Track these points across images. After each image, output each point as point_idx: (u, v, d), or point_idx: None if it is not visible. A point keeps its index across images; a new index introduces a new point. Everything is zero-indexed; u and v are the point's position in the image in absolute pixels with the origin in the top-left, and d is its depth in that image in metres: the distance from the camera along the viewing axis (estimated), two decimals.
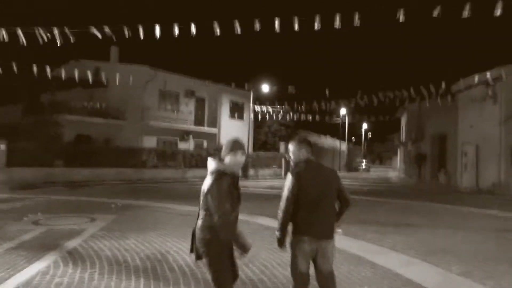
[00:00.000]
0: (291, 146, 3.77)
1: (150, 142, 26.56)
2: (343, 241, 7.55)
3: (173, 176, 24.84)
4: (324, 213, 3.59)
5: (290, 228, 3.69)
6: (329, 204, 3.65)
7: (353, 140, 77.50)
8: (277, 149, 36.42)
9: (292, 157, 3.76)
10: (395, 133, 57.01)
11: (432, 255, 6.66)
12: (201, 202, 3.39)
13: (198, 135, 30.28)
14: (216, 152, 27.54)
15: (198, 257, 3.46)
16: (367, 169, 56.56)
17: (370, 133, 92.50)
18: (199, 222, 3.39)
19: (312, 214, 3.53)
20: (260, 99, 32.54)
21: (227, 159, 3.44)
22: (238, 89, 31.42)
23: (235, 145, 3.47)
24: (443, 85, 15.07)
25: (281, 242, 3.59)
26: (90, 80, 19.08)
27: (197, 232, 3.39)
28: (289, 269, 3.72)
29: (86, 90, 27.91)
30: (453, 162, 25.12)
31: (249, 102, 32.73)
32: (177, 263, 5.85)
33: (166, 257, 6.21)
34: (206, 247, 3.33)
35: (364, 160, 62.31)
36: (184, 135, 29.14)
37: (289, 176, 3.59)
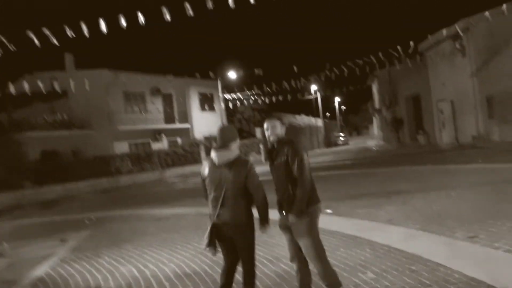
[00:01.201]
0: (273, 124, 3.68)
1: (121, 147, 25.50)
2: (335, 222, 7.02)
3: (150, 179, 23.93)
4: None
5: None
6: None
7: (328, 115, 77.57)
8: (254, 135, 35.77)
9: (273, 134, 3.66)
10: (368, 102, 57.16)
11: (431, 223, 6.19)
12: (220, 191, 3.50)
13: (170, 132, 29.32)
14: (194, 146, 26.73)
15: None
16: (345, 142, 56.53)
17: (343, 106, 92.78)
18: (232, 211, 3.49)
19: (313, 182, 3.65)
20: (228, 87, 31.75)
21: (235, 145, 3.61)
22: (205, 80, 30.45)
23: (236, 133, 3.71)
24: (411, 44, 14.61)
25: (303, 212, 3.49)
26: (48, 92, 17.98)
27: (237, 218, 3.49)
28: (280, 265, 4.18)
29: (45, 103, 26.63)
30: (430, 122, 25.04)
31: (218, 91, 31.87)
32: (155, 279, 5.18)
33: (144, 272, 5.52)
34: (248, 228, 3.55)
35: (342, 134, 62.33)
36: (156, 134, 28.14)
37: (297, 146, 3.56)
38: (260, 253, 5.67)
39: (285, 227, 3.65)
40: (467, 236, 5.26)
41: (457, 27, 14.12)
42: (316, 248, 3.54)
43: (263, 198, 3.54)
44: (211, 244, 3.56)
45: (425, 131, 26.60)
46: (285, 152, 3.55)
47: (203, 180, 3.70)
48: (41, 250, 7.94)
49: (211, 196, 3.59)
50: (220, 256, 5.72)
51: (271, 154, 3.69)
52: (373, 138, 58.68)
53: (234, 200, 3.50)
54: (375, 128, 55.68)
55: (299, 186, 3.48)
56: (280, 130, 3.68)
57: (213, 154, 3.59)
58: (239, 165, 3.51)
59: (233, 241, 3.58)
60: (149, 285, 4.93)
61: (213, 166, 3.57)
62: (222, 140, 3.57)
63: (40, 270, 6.35)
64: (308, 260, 3.63)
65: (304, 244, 3.54)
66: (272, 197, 3.67)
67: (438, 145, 22.94)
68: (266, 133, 3.72)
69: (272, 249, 5.83)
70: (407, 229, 6.03)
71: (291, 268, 4.88)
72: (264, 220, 3.58)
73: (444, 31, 14.05)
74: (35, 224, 12.14)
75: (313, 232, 3.54)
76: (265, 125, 3.74)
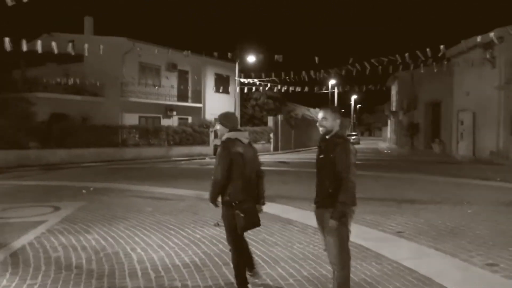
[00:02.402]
0: (325, 115, 3.46)
1: (131, 119, 25.16)
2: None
3: (156, 154, 23.62)
4: None
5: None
6: None
7: (342, 112, 76.56)
8: (265, 123, 35.22)
9: (322, 125, 3.48)
10: (385, 103, 56.20)
11: (445, 241, 5.70)
12: (252, 168, 3.80)
13: (182, 110, 28.90)
14: (204, 127, 26.32)
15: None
16: (357, 141, 55.73)
17: (359, 105, 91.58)
18: (254, 186, 3.87)
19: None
20: (245, 71, 31.06)
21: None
22: (222, 61, 29.88)
23: None
24: (441, 48, 13.89)
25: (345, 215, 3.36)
26: (64, 54, 17.60)
27: (256, 192, 3.87)
28: (277, 268, 4.19)
29: (60, 65, 26.32)
30: (448, 131, 24.27)
31: (234, 74, 31.23)
32: (141, 265, 4.79)
33: (130, 257, 5.13)
34: None
35: (354, 133, 61.62)
36: (167, 111, 27.73)
37: (347, 146, 3.35)
38: (257, 252, 5.25)
39: (318, 221, 3.53)
40: (486, 263, 4.76)
41: (492, 35, 13.41)
42: (341, 249, 3.36)
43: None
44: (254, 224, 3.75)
45: (441, 140, 25.87)
46: (333, 149, 3.34)
47: (231, 161, 3.65)
48: (31, 216, 7.64)
49: (244, 173, 3.69)
50: (212, 249, 5.36)
51: (321, 145, 3.52)
52: (385, 141, 57.83)
53: (254, 176, 3.84)
54: (389, 130, 54.80)
55: (343, 189, 3.27)
56: (332, 123, 3.44)
57: (240, 135, 3.77)
58: (252, 143, 3.96)
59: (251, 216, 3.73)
60: (133, 273, 4.54)
61: (243, 146, 3.74)
62: (236, 123, 3.87)
63: (25, 238, 6.02)
64: (329, 260, 3.46)
65: (329, 242, 3.38)
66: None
67: (453, 156, 22.25)
68: (319, 122, 3.52)
69: (270, 248, 5.41)
70: (419, 245, 5.55)
71: (288, 273, 4.47)
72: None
73: (479, 38, 13.32)
74: (32, 187, 11.89)
75: (341, 232, 3.35)
76: (319, 114, 3.54)
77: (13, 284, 4.24)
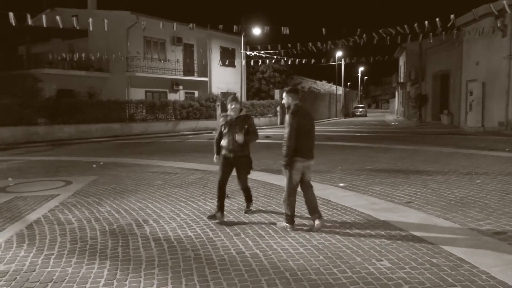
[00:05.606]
0: (285, 95, 5.07)
1: (137, 94, 25.13)
2: (350, 197, 6.62)
3: (163, 129, 23.71)
4: (311, 141, 5.01)
5: None
6: (313, 135, 5.07)
7: (349, 84, 75.87)
8: (272, 97, 35.04)
9: (287, 101, 5.04)
10: (393, 75, 55.52)
11: (454, 211, 5.73)
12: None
13: (188, 84, 28.78)
14: (211, 101, 26.34)
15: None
16: (364, 114, 55.39)
17: (366, 77, 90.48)
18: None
19: (306, 141, 4.89)
20: (251, 44, 30.69)
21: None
22: (228, 34, 29.54)
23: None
24: (451, 17, 13.55)
25: (287, 165, 4.91)
26: (68, 29, 17.52)
27: None
28: (297, 238, 4.41)
29: (65, 41, 26.28)
30: (457, 102, 24.01)
31: (240, 47, 30.91)
32: (154, 237, 4.89)
33: (143, 228, 5.24)
34: None
35: (361, 105, 61.23)
36: (174, 85, 27.65)
37: (288, 116, 4.86)
38: (266, 222, 5.32)
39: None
40: (494, 232, 4.80)
41: (504, 3, 13.05)
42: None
43: None
44: None
45: (449, 111, 25.64)
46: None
47: None
48: (43, 190, 7.78)
49: None
50: (221, 223, 5.45)
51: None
52: (393, 113, 57.42)
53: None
54: (396, 102, 54.35)
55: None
56: (287, 100, 5.02)
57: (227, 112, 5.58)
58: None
59: None
60: (147, 244, 4.64)
61: None
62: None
63: (39, 212, 6.15)
64: None
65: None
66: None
67: (461, 128, 22.10)
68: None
69: (280, 219, 5.48)
70: (427, 214, 5.59)
71: (298, 243, 4.54)
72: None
73: (491, 5, 12.95)
74: (43, 162, 12.04)
75: (290, 177, 5.02)
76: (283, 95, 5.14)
77: (31, 255, 4.36)
